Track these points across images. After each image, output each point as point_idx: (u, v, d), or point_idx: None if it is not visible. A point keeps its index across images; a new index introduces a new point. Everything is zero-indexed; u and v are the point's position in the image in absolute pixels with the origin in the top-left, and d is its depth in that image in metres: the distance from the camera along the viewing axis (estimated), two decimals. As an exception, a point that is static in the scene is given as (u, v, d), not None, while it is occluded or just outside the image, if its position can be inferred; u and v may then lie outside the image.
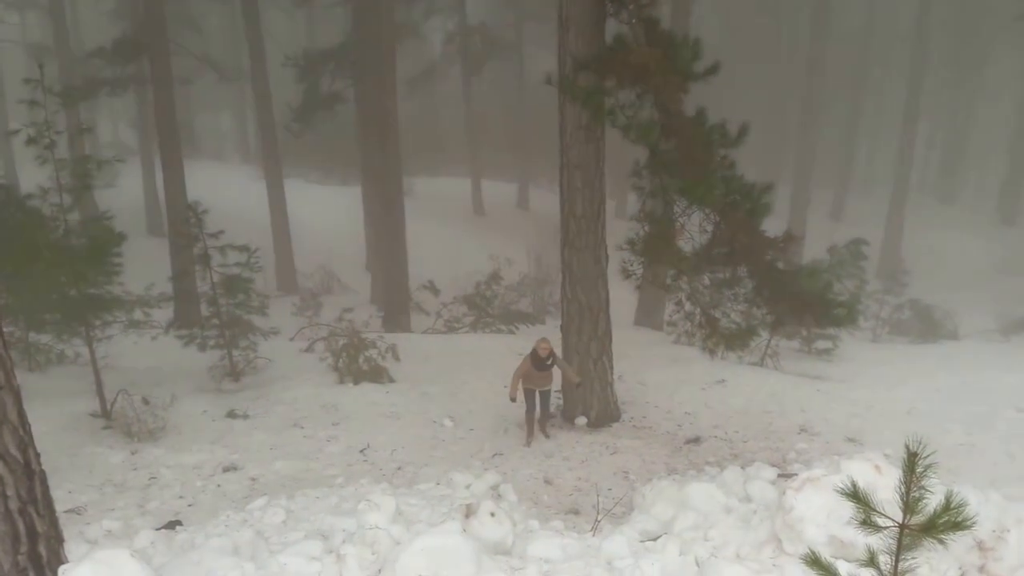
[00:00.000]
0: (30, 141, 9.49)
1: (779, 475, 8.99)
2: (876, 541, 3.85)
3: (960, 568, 6.79)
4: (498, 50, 27.19)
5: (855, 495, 4.05)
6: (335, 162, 28.67)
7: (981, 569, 6.93)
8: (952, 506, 3.79)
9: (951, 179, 36.17)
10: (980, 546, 7.42)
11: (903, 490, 3.78)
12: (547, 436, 10.56)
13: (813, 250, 19.45)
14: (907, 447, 3.84)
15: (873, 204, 29.90)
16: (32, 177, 10.23)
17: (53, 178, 9.74)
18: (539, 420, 10.61)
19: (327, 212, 25.58)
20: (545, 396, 10.46)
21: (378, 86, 17.84)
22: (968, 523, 3.75)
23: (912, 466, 3.77)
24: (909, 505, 3.79)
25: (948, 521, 3.77)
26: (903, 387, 13.53)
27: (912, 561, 3.84)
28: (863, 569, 4.02)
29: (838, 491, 4.45)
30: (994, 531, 7.49)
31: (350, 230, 23.46)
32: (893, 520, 3.88)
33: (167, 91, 16.15)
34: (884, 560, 3.80)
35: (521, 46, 27.96)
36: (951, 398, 13.15)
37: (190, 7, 25.20)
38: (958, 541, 7.62)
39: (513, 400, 10.13)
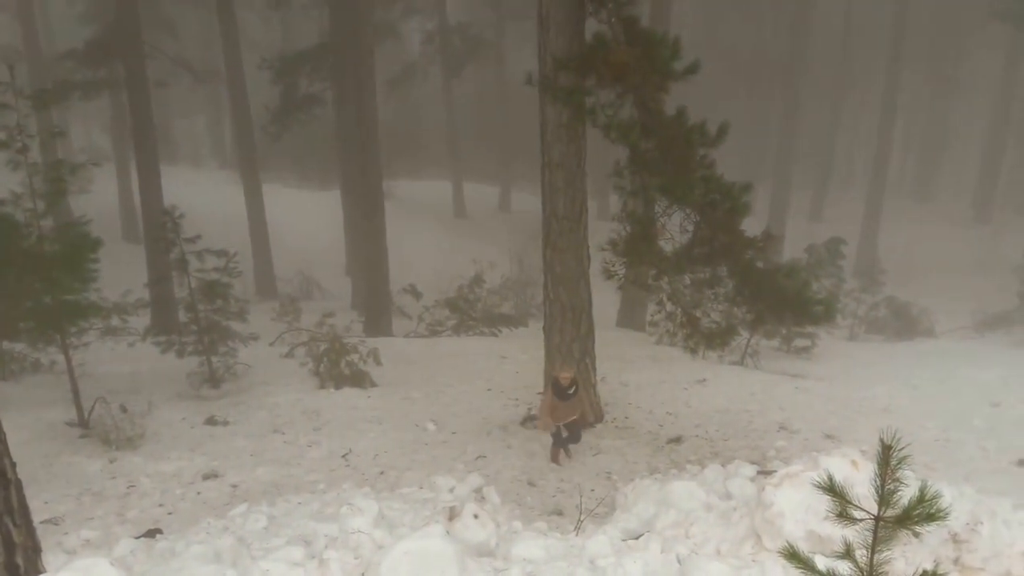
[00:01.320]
0: (1, 145, 9.37)
1: (759, 472, 9.06)
2: (852, 534, 3.92)
3: (935, 560, 6.91)
4: (478, 50, 27.20)
5: (831, 489, 4.11)
6: (313, 166, 28.57)
7: (956, 561, 7.04)
8: (926, 498, 3.85)
9: (928, 178, 36.64)
10: (954, 539, 7.55)
11: (878, 483, 3.85)
12: (569, 456, 10.03)
13: (792, 250, 19.66)
14: (881, 440, 3.92)
15: (851, 204, 30.26)
16: (3, 182, 10.10)
17: (26, 183, 9.62)
18: (565, 446, 10.04)
19: (306, 216, 25.47)
20: (573, 426, 9.81)
21: (356, 88, 17.79)
22: (942, 514, 3.81)
23: (886, 459, 3.83)
24: (884, 497, 3.85)
25: (922, 513, 3.84)
26: (880, 385, 13.71)
27: (888, 553, 3.91)
28: (839, 561, 4.08)
29: (815, 485, 4.51)
30: (967, 524, 7.62)
31: (330, 235, 23.39)
32: (868, 513, 3.95)
33: (142, 94, 16.01)
34: (860, 553, 3.87)
35: (502, 46, 27.99)
36: (927, 395, 13.34)
37: (165, 9, 25.01)
38: (933, 534, 7.81)
39: (549, 432, 9.75)
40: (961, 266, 27.76)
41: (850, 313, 20.81)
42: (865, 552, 3.87)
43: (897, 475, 3.81)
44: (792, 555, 4.28)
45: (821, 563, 3.94)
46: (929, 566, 6.61)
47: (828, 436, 10.90)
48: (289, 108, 19.41)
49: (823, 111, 33.05)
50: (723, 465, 9.23)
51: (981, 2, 26.51)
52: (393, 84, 26.76)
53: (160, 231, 12.04)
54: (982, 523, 7.55)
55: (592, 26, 9.39)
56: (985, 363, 15.51)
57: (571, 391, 9.53)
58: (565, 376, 9.53)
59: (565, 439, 9.91)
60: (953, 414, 12.20)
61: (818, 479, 4.23)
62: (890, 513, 3.79)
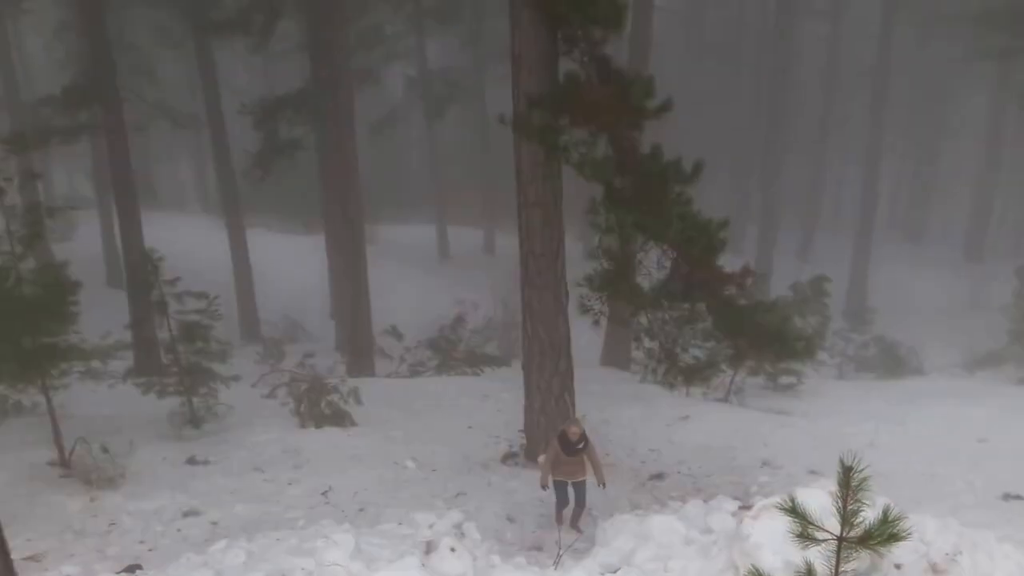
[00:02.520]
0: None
1: (740, 507, 9.27)
2: (817, 555, 4.17)
3: (915, 591, 7.16)
4: (460, 94, 27.87)
5: (793, 510, 4.39)
6: (297, 211, 29.00)
7: (936, 595, 7.27)
8: (889, 519, 4.12)
9: (918, 220, 37.31)
10: (934, 568, 7.84)
11: (839, 504, 4.13)
12: (579, 531, 9.34)
13: (780, 289, 20.05)
14: (841, 462, 4.22)
15: (840, 244, 30.78)
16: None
17: (3, 226, 9.92)
18: (572, 515, 9.47)
19: (291, 261, 25.84)
20: (580, 488, 9.31)
21: (337, 132, 18.31)
22: (904, 535, 4.08)
23: (847, 481, 4.13)
24: (846, 518, 4.12)
25: (884, 533, 4.09)
26: (866, 421, 13.99)
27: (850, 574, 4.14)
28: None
29: (778, 508, 4.82)
30: (947, 554, 7.92)
31: (314, 279, 23.73)
32: (831, 533, 4.21)
33: (120, 139, 16.38)
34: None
35: (483, 89, 28.67)
36: (914, 431, 13.65)
37: (144, 55, 25.58)
38: (914, 565, 8.10)
39: (544, 488, 9.20)
40: (951, 306, 28.24)
41: (839, 352, 21.18)
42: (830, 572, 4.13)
43: (858, 496, 4.11)
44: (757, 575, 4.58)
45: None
46: (909, 594, 6.87)
47: (812, 472, 11.12)
48: (270, 153, 19.84)
49: (809, 153, 33.78)
50: (705, 501, 9.48)
51: (965, 42, 27.34)
52: (375, 128, 27.38)
53: (140, 273, 12.32)
54: (962, 553, 7.85)
55: (566, 65, 9.82)
56: (973, 400, 15.83)
57: (579, 446, 9.05)
58: (574, 431, 9.03)
59: (570, 503, 9.38)
60: (940, 450, 12.52)
61: (783, 505, 4.52)
62: (853, 534, 4.07)
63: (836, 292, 22.82)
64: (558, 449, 9.05)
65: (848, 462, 4.10)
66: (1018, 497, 10.48)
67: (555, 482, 9.19)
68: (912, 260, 32.30)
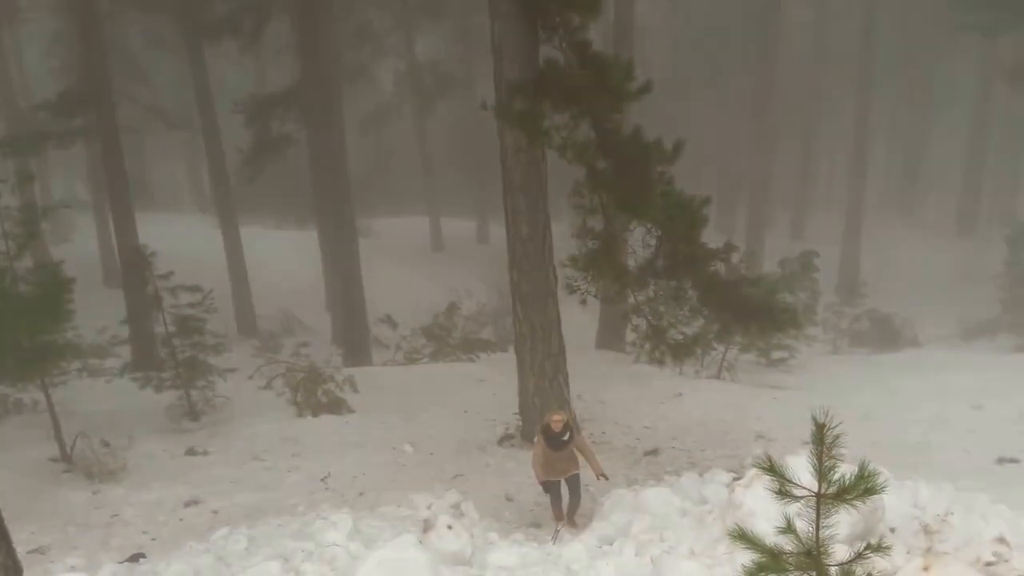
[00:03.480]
0: (-27, 192, 9.84)
1: (734, 479, 9.38)
2: (797, 512, 4.27)
3: (907, 550, 7.29)
4: (449, 86, 27.96)
5: (771, 468, 4.49)
6: (290, 206, 29.09)
7: (928, 550, 7.40)
8: (865, 475, 4.23)
9: (909, 193, 37.38)
10: (926, 529, 7.99)
11: (815, 461, 4.23)
12: (575, 526, 8.99)
13: (772, 266, 20.13)
14: (814, 419, 4.31)
15: (832, 221, 30.88)
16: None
17: (-1, 226, 10.06)
18: (568, 509, 9.09)
19: (286, 256, 25.94)
20: (573, 483, 8.93)
21: (327, 128, 18.45)
22: (880, 489, 4.18)
23: (821, 437, 4.22)
24: (822, 474, 4.22)
25: (861, 487, 4.19)
26: (860, 393, 14.09)
27: (832, 529, 4.25)
28: (783, 536, 4.43)
29: (755, 466, 4.91)
30: (939, 515, 8.06)
31: (309, 273, 23.83)
32: (808, 489, 4.32)
33: (113, 141, 16.51)
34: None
35: (472, 81, 28.72)
36: (908, 401, 13.75)
37: (137, 58, 25.66)
38: (906, 527, 8.24)
39: (545, 490, 8.91)
40: (944, 278, 28.32)
41: (832, 327, 21.28)
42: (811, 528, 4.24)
43: (832, 453, 4.21)
44: (741, 536, 4.68)
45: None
46: (902, 557, 6.99)
47: (806, 443, 11.16)
48: (262, 150, 19.95)
49: (799, 132, 33.81)
50: (700, 474, 9.61)
51: (949, 15, 27.34)
52: (366, 123, 27.44)
53: (135, 269, 12.45)
54: (952, 514, 8.00)
55: (547, 53, 9.93)
56: (967, 369, 15.94)
57: (564, 437, 8.58)
58: (556, 419, 8.55)
59: (565, 498, 9.02)
60: (935, 418, 12.65)
61: (761, 464, 4.62)
62: (831, 490, 4.18)
63: (829, 268, 22.93)
64: (544, 446, 8.58)
65: (820, 420, 4.22)
66: (1013, 460, 10.64)
67: (548, 483, 8.83)
68: (904, 235, 32.42)
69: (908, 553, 7.14)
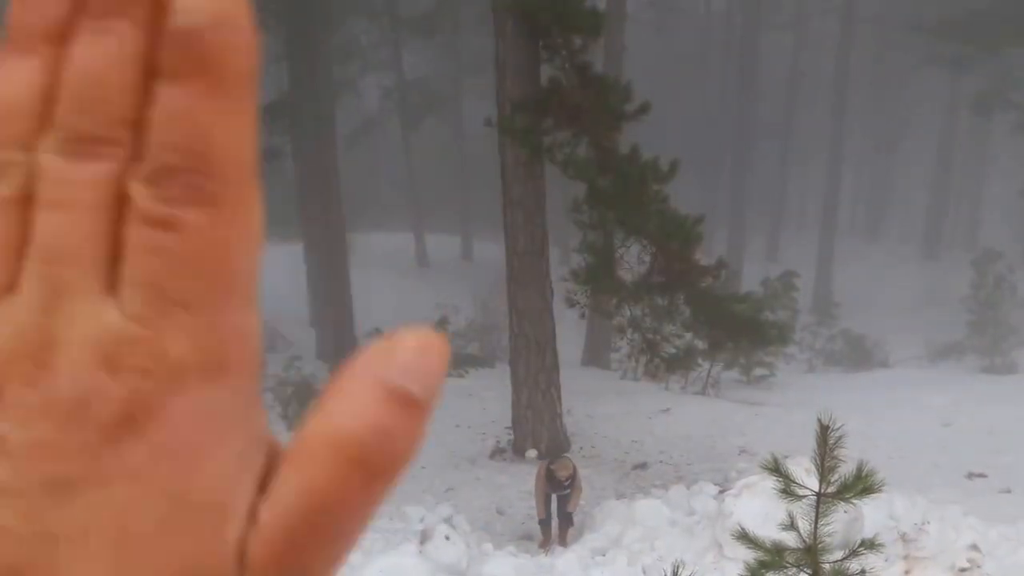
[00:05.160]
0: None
1: (720, 491, 9.55)
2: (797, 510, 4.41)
3: (885, 557, 7.49)
4: (436, 104, 28.09)
5: (776, 469, 4.63)
6: (275, 219, 28.97)
7: (905, 557, 7.65)
8: (863, 475, 4.37)
9: (877, 220, 38.15)
10: (903, 538, 8.23)
11: (818, 461, 4.36)
12: (564, 545, 8.99)
13: (750, 287, 20.36)
14: (819, 420, 4.45)
15: (806, 244, 31.37)
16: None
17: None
18: (559, 530, 9.25)
19: (269, 270, 25.61)
20: (563, 501, 9.11)
21: (316, 141, 18.46)
22: (878, 487, 4.33)
23: (824, 438, 4.37)
24: (823, 474, 4.35)
25: (860, 486, 4.33)
26: (835, 410, 14.12)
27: (831, 526, 4.39)
28: (785, 532, 4.57)
29: (762, 468, 5.04)
30: (916, 524, 8.32)
31: (291, 288, 23.67)
32: (810, 489, 4.45)
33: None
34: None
35: (460, 99, 28.92)
36: (882, 418, 13.99)
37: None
38: (884, 535, 8.42)
39: (542, 519, 9.11)
40: (912, 300, 28.87)
41: (807, 346, 21.61)
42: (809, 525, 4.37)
43: (835, 454, 4.34)
44: (742, 536, 4.80)
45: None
46: (880, 564, 7.16)
47: (787, 457, 11.35)
48: (250, 162, 19.89)
49: (774, 158, 34.39)
50: (687, 487, 9.75)
51: (919, 51, 28.07)
52: (352, 138, 27.43)
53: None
54: (929, 523, 8.27)
55: (547, 72, 10.13)
56: (937, 388, 16.25)
57: (567, 484, 8.90)
58: (563, 473, 8.84)
59: (558, 513, 9.20)
60: (907, 435, 12.89)
61: (767, 465, 4.75)
62: (831, 490, 4.32)
63: (803, 289, 23.28)
64: (545, 486, 8.91)
65: (825, 421, 4.37)
66: (981, 475, 10.88)
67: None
68: (873, 258, 33.00)
69: (887, 561, 7.34)
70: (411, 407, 0.23)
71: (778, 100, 33.28)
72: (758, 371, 16.87)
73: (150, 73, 0.21)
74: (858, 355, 21.40)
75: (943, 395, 15.48)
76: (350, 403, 0.23)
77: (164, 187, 0.21)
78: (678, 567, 2.63)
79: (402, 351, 0.23)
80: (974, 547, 7.48)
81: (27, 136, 0.21)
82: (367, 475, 0.22)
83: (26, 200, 0.21)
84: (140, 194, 0.21)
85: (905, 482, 10.20)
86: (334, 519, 0.23)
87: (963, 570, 7.26)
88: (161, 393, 0.21)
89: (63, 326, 0.21)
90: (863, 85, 33.20)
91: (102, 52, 0.21)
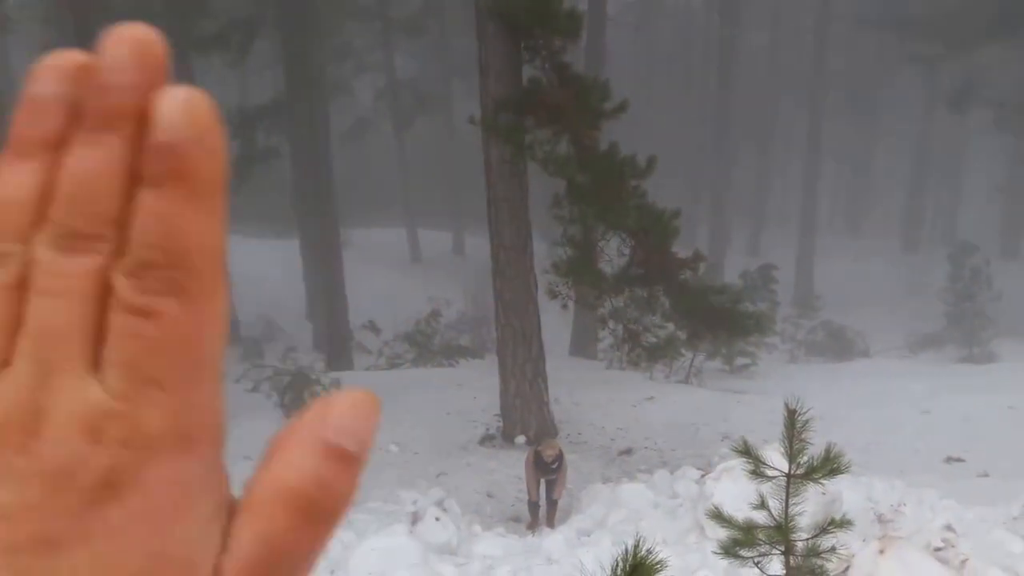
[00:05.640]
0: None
1: (703, 475, 9.71)
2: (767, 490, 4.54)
3: (863, 538, 7.66)
4: (427, 104, 28.26)
5: (746, 451, 4.78)
6: (270, 216, 29.06)
7: (882, 537, 7.82)
8: (831, 456, 4.51)
9: (857, 215, 38.37)
10: (880, 519, 8.42)
11: (786, 444, 4.49)
12: (551, 527, 9.23)
13: (732, 281, 20.58)
14: (786, 405, 4.59)
15: (787, 239, 31.54)
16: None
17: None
18: (547, 512, 9.47)
19: (265, 265, 25.86)
20: (550, 485, 9.31)
21: (311, 140, 18.62)
22: (844, 468, 4.47)
23: (792, 421, 4.51)
24: (792, 455, 4.49)
25: (827, 467, 4.46)
26: (817, 397, 14.34)
27: (801, 506, 4.51)
28: (755, 512, 4.69)
29: (732, 450, 5.20)
30: (892, 506, 8.51)
31: (288, 282, 23.82)
32: (779, 470, 4.59)
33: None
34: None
35: (450, 99, 29.04)
36: (862, 405, 14.16)
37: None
38: (861, 517, 8.63)
39: (534, 501, 9.32)
40: (891, 293, 29.05)
41: (789, 337, 21.80)
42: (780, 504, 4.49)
43: (803, 436, 4.49)
44: (716, 515, 4.94)
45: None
46: (857, 544, 7.34)
47: (766, 442, 11.49)
48: (247, 160, 20.00)
49: (754, 154, 34.55)
50: (671, 472, 9.91)
51: (894, 49, 28.33)
52: (346, 137, 27.61)
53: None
54: (905, 505, 8.46)
55: (528, 72, 10.28)
56: (916, 377, 16.42)
57: (554, 466, 9.10)
58: (549, 453, 9.07)
59: (546, 498, 9.39)
60: (887, 421, 13.06)
61: (738, 448, 4.89)
62: (800, 472, 4.45)
63: (785, 282, 23.45)
64: (533, 470, 9.12)
65: (792, 405, 4.50)
66: (959, 460, 11.08)
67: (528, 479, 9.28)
68: (853, 252, 33.18)
69: (864, 541, 7.51)
70: (347, 461, 0.27)
71: (758, 97, 33.46)
72: (740, 360, 17.04)
73: (134, 179, 0.25)
74: (839, 346, 21.59)
75: (921, 384, 15.65)
76: (294, 459, 0.27)
77: (144, 280, 0.24)
78: (639, 542, 2.74)
79: (337, 412, 0.27)
80: (949, 527, 7.64)
81: (24, 230, 0.25)
82: (314, 522, 0.26)
83: (21, 286, 0.25)
84: (122, 285, 0.24)
85: (884, 466, 10.40)
86: (288, 562, 0.26)
87: (938, 549, 7.42)
88: (138, 462, 0.24)
89: (51, 400, 0.24)
90: (840, 82, 33.35)
91: (93, 161, 0.25)
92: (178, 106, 0.25)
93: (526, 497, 9.75)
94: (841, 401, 14.37)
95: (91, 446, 0.24)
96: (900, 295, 28.88)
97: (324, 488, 0.26)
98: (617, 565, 2.64)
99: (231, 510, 0.27)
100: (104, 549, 0.24)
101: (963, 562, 7.25)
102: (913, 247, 33.73)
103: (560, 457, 9.14)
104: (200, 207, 0.25)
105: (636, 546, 2.65)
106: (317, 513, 0.26)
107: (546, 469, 9.11)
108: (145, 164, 0.24)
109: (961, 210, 35.38)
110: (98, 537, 0.24)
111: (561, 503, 9.47)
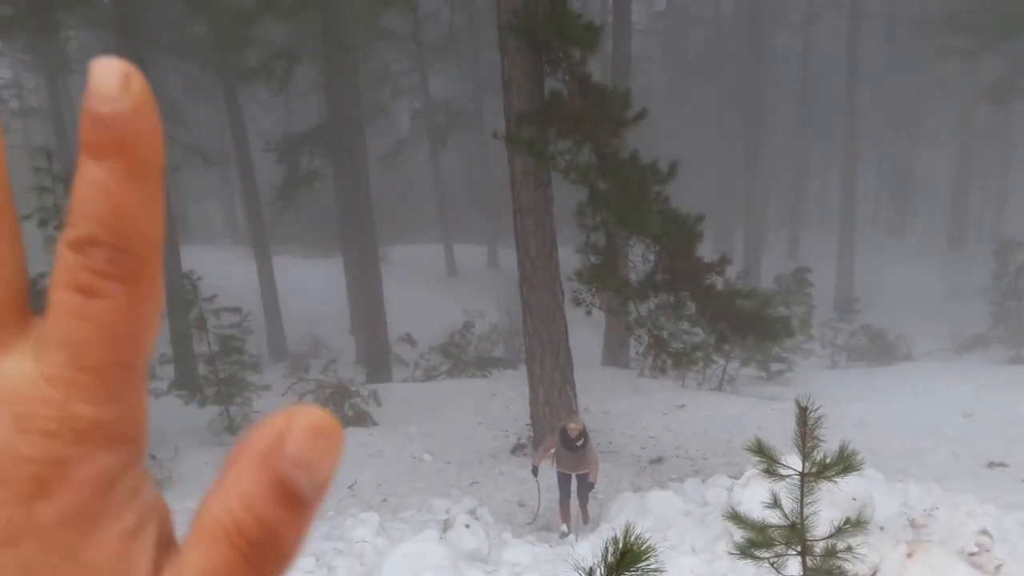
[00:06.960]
0: (42, 223, 10.28)
1: (734, 483, 9.50)
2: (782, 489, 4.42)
3: (895, 542, 7.41)
4: (461, 122, 28.57)
5: (759, 449, 4.66)
6: (317, 237, 29.60)
7: (911, 542, 7.56)
8: (845, 454, 4.37)
9: (900, 214, 37.35)
10: (913, 524, 8.13)
11: (799, 441, 4.37)
12: (586, 521, 9.34)
13: (769, 285, 20.23)
14: (797, 403, 4.47)
15: (827, 241, 30.91)
16: (41, 261, 10.90)
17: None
18: (580, 506, 9.40)
19: (313, 283, 26.34)
20: (582, 481, 9.18)
21: (351, 163, 18.98)
22: (858, 466, 4.32)
23: (803, 419, 4.38)
24: (806, 454, 4.36)
25: (841, 465, 4.33)
26: (854, 403, 14.09)
27: (815, 505, 4.39)
28: (768, 511, 4.57)
29: (746, 449, 5.07)
30: (925, 511, 8.22)
31: (335, 299, 24.21)
32: (793, 468, 4.46)
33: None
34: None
35: (482, 116, 29.25)
36: (901, 410, 13.76)
37: (175, 101, 26.40)
38: (895, 521, 8.37)
39: (534, 471, 9.31)
40: (935, 294, 28.24)
41: (829, 342, 21.29)
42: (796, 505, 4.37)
43: (815, 434, 4.35)
44: (733, 516, 4.83)
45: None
46: (890, 547, 7.12)
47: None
48: (293, 184, 20.47)
49: (792, 155, 33.97)
50: (702, 480, 9.72)
51: (929, 45, 27.53)
52: (385, 158, 28.10)
53: (179, 294, 12.84)
54: (939, 509, 8.17)
55: (551, 85, 10.28)
56: (959, 379, 15.91)
57: (579, 443, 8.91)
58: (573, 427, 8.93)
59: (578, 493, 9.27)
60: (927, 425, 12.65)
61: (750, 447, 4.77)
62: (814, 470, 4.32)
63: (825, 285, 22.96)
64: (558, 443, 8.99)
65: (803, 403, 4.37)
66: (1002, 464, 10.66)
67: (558, 474, 9.10)
68: (896, 253, 32.34)
69: (895, 543, 7.28)
70: (298, 506, 0.24)
71: (792, 98, 32.91)
72: (775, 367, 16.70)
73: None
74: (880, 349, 21.00)
75: (965, 387, 15.16)
76: (246, 484, 0.24)
77: (88, 257, 0.22)
78: (629, 528, 2.68)
79: (298, 438, 0.24)
80: (984, 532, 7.36)
81: None
82: (255, 565, 0.24)
83: None
84: (67, 258, 0.22)
85: (922, 472, 10.07)
86: None
87: (972, 554, 7.16)
88: (68, 457, 0.22)
89: None
90: (876, 79, 32.58)
91: None
92: (115, 78, 0.23)
93: (556, 507, 9.65)
94: (879, 406, 14.00)
95: (18, 434, 0.21)
96: (944, 296, 28.05)
97: (269, 531, 0.23)
98: (607, 550, 2.58)
99: (163, 517, 0.25)
100: (30, 552, 0.21)
101: (998, 567, 6.98)
102: (958, 246, 32.72)
103: (584, 434, 8.98)
104: (141, 191, 0.23)
105: (626, 532, 2.59)
106: (259, 556, 0.23)
107: (571, 445, 8.94)
108: (84, 132, 0.22)
109: (1007, 207, 34.21)
110: (26, 538, 0.21)
111: (591, 512, 9.36)
